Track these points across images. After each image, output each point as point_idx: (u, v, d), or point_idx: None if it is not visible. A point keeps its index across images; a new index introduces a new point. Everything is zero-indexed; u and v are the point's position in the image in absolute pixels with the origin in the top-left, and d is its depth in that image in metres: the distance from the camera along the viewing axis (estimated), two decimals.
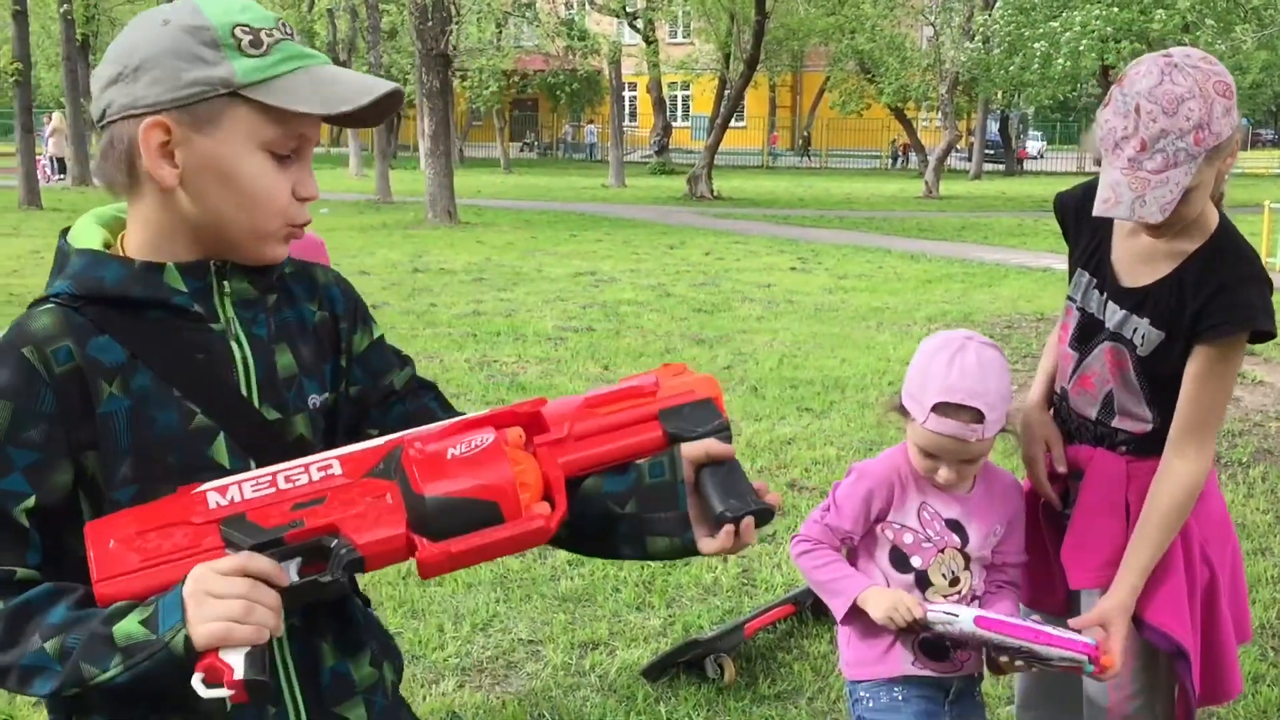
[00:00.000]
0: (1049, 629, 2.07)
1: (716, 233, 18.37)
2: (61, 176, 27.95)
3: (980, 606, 2.23)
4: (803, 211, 23.26)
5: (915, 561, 2.21)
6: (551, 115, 52.78)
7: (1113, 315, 2.16)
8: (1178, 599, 2.18)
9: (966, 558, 2.22)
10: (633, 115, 51.34)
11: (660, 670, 3.54)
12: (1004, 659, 2.12)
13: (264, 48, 1.31)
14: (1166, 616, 2.18)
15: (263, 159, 1.32)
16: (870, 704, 2.24)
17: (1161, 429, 2.16)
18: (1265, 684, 3.55)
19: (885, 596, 2.15)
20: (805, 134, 49.09)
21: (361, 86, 1.38)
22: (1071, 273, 2.29)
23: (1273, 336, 2.07)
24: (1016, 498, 2.31)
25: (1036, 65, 24.50)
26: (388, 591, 4.10)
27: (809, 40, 40.21)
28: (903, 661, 2.21)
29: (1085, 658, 2.02)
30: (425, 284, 12.09)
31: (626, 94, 42.07)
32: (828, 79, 41.40)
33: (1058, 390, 2.32)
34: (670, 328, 9.59)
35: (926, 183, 28.14)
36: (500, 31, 40.61)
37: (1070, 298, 2.27)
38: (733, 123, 29.59)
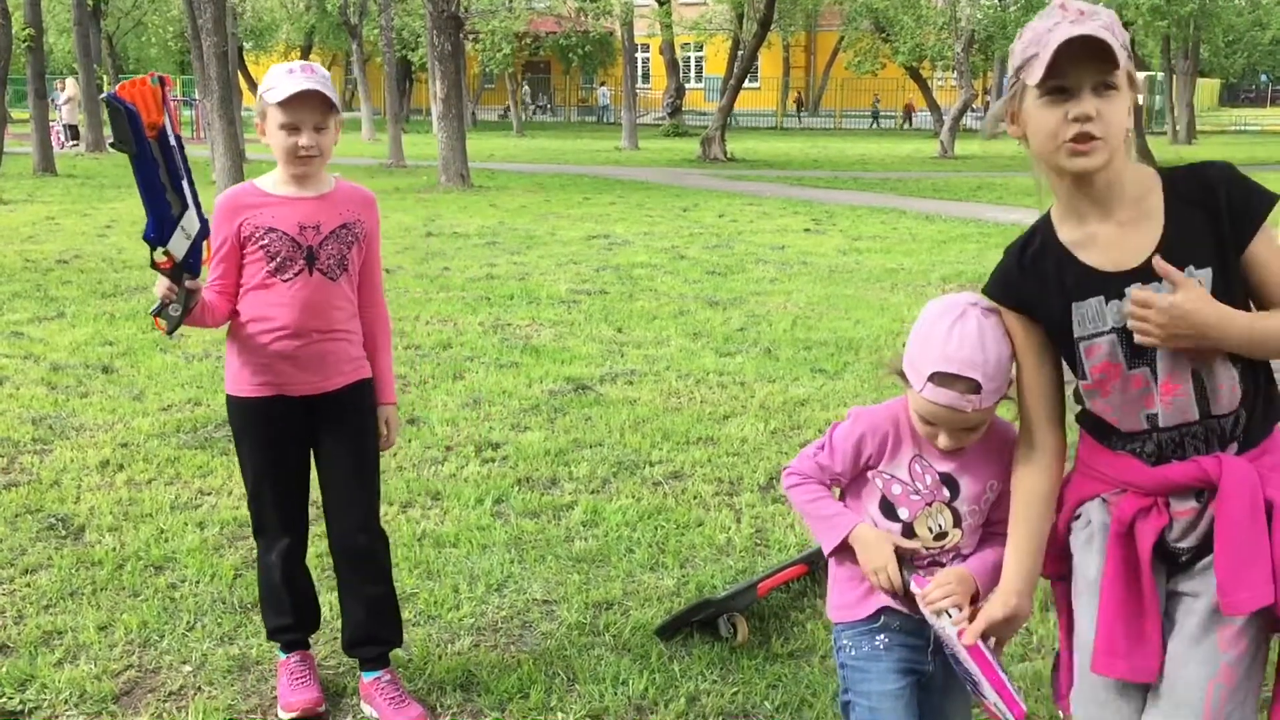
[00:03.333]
0: (1002, 674, 2.08)
1: (730, 195, 18.29)
2: (75, 143, 27.96)
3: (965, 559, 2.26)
4: (816, 173, 23.12)
5: (903, 513, 2.22)
6: (564, 78, 52.47)
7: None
8: None
9: (956, 513, 2.22)
10: (645, 77, 51.01)
11: (674, 630, 3.56)
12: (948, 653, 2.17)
13: None
14: None
15: None
16: (853, 651, 2.26)
17: (1246, 369, 2.03)
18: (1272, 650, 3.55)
19: (874, 550, 2.17)
20: (799, 95, 48.60)
21: None
22: (1060, 331, 2.08)
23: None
24: (1004, 455, 2.25)
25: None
26: (403, 553, 4.13)
27: None
28: (883, 597, 2.23)
29: (1012, 717, 2.08)
30: (439, 248, 12.09)
31: (639, 55, 41.79)
32: (842, 38, 41.03)
33: (1144, 426, 2.07)
34: (684, 290, 9.57)
35: (942, 143, 27.93)
36: None
37: (1084, 338, 2.06)
38: (746, 84, 29.36)
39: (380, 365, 3.22)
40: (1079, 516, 2.18)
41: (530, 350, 7.37)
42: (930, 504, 2.21)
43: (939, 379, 2.08)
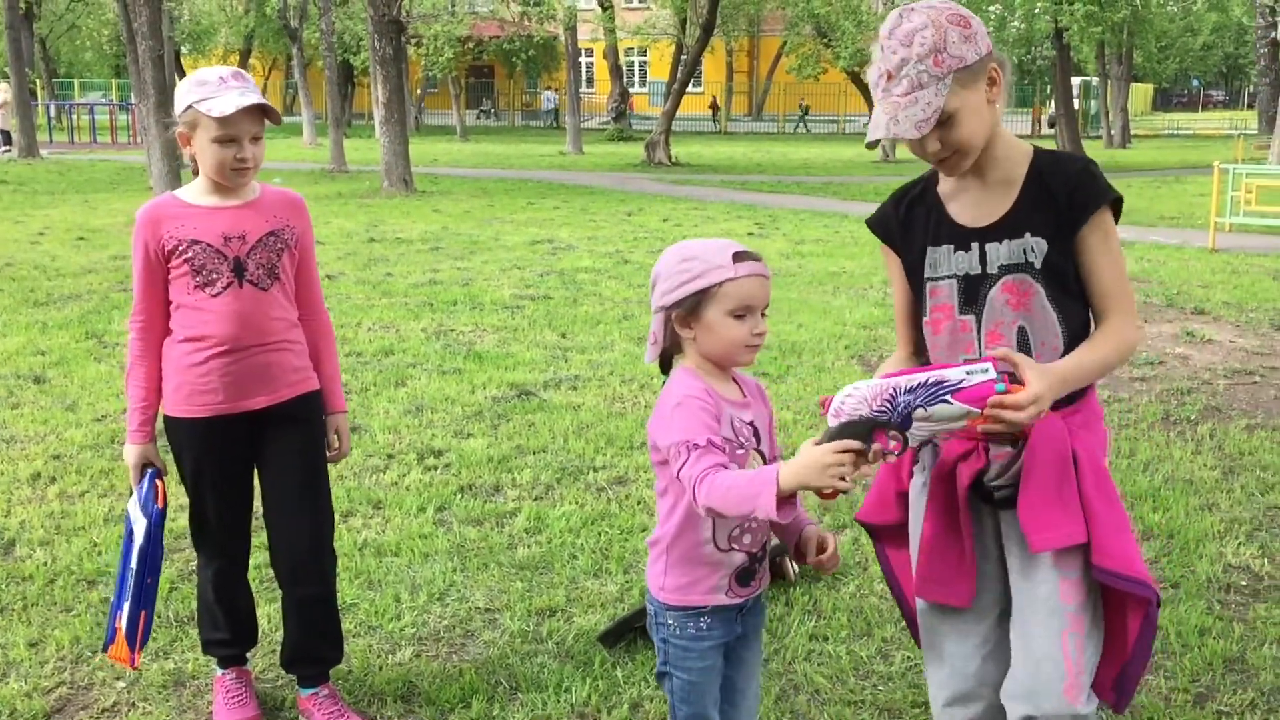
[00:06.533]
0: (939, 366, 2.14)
1: (674, 199, 18.33)
2: (8, 149, 27.36)
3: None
4: (760, 177, 23.25)
5: (733, 469, 2.20)
6: (508, 82, 52.29)
7: (997, 253, 2.26)
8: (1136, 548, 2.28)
9: (763, 456, 2.27)
10: (590, 82, 51.00)
11: (617, 636, 3.55)
12: (913, 424, 2.04)
13: None
14: (1143, 567, 2.25)
15: None
16: (677, 631, 2.29)
17: (1071, 342, 2.25)
18: (1211, 637, 3.62)
19: (809, 467, 1.99)
20: (714, 100, 48.61)
21: None
22: (915, 268, 2.37)
23: (1121, 207, 2.27)
24: (766, 395, 2.39)
25: (991, 28, 24.59)
26: (344, 563, 4.08)
27: (765, 4, 40.04)
28: (717, 593, 2.27)
29: (989, 366, 2.03)
30: (381, 253, 11.98)
31: (583, 60, 41.78)
32: (784, 43, 41.28)
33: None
34: (628, 295, 9.57)
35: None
36: None
37: (932, 279, 2.33)
38: (690, 88, 29.46)
39: (327, 373, 3.14)
40: (918, 462, 2.44)
41: (473, 356, 7.33)
42: (749, 454, 2.24)
43: (738, 256, 2.19)
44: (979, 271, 2.27)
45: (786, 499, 2.02)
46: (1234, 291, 9.72)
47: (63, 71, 47.92)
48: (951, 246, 2.30)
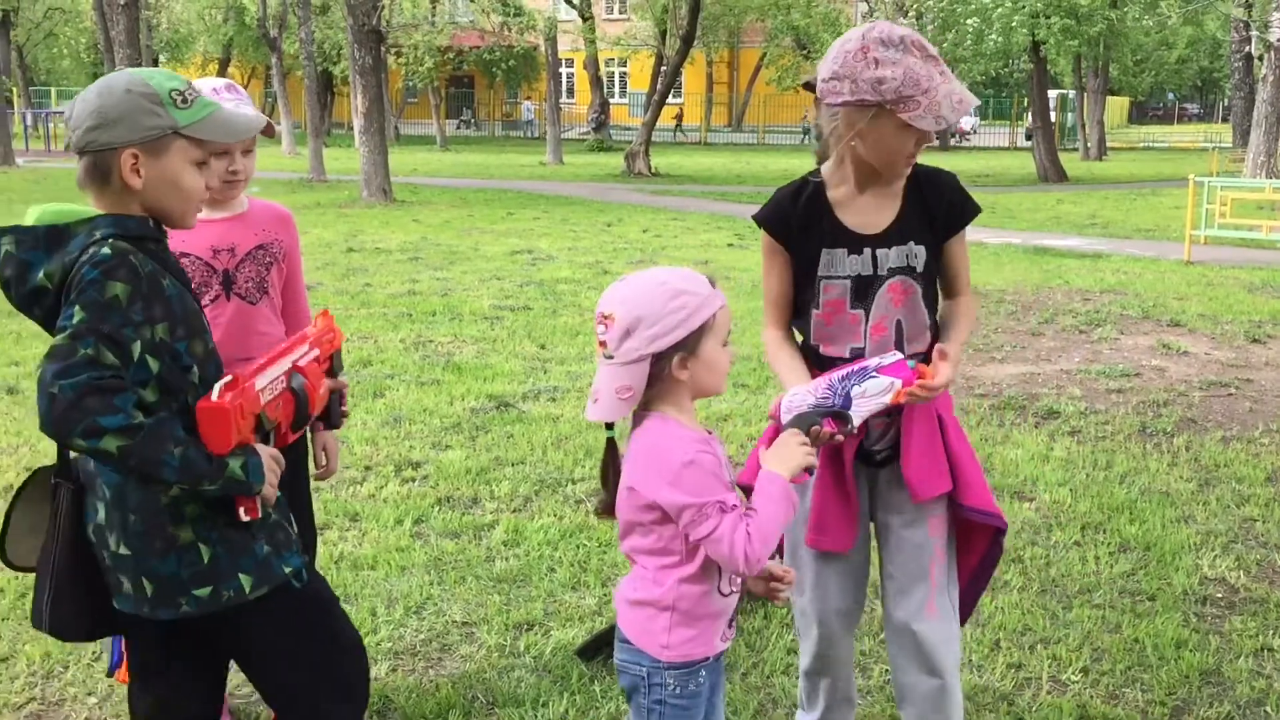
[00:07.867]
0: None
1: (654, 210, 18.35)
2: None
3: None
4: (740, 188, 23.30)
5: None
6: (488, 92, 52.28)
7: (887, 258, 2.58)
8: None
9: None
10: (570, 92, 51.03)
11: (594, 650, 3.53)
12: (853, 404, 2.40)
13: (189, 103, 2.15)
14: (993, 502, 2.70)
15: (193, 170, 2.19)
16: (677, 690, 2.19)
17: (932, 330, 2.65)
18: (1188, 650, 3.63)
19: (792, 453, 2.20)
20: (679, 112, 48.70)
21: (246, 124, 2.33)
22: (808, 266, 2.60)
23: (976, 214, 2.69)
24: None
25: (969, 41, 24.77)
26: None
27: (745, 16, 40.16)
28: (716, 639, 2.20)
29: (896, 353, 2.47)
30: (360, 264, 11.94)
31: (563, 70, 41.81)
32: (764, 55, 41.44)
33: (848, 355, 2.61)
34: None
35: None
36: (435, 7, 40.11)
37: (826, 278, 2.60)
38: (670, 99, 29.52)
39: None
40: None
41: (452, 367, 7.30)
42: None
43: (711, 282, 2.15)
44: (870, 273, 2.58)
45: (697, 578, 2.16)
46: (1209, 304, 9.79)
47: (40, 79, 47.63)
48: (845, 250, 2.59)
